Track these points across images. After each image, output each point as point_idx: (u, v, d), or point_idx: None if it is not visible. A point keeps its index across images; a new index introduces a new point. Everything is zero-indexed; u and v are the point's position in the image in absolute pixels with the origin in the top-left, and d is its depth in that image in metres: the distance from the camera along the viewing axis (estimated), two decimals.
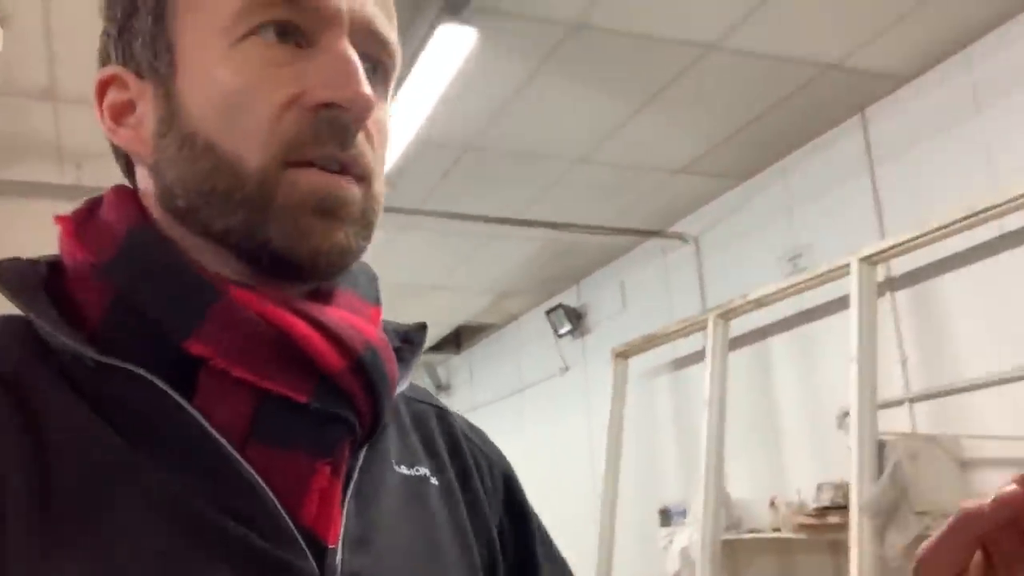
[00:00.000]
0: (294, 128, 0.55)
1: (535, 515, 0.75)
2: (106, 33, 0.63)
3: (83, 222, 0.60)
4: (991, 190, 2.94)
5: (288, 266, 0.55)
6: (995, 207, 2.87)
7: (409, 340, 0.65)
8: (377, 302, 0.64)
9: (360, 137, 0.57)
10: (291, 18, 0.56)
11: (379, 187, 0.59)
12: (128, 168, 0.63)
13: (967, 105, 3.19)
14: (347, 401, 0.55)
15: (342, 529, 0.55)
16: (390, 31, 0.60)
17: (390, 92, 0.63)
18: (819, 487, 3.45)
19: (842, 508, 3.24)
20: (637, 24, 2.93)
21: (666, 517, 4.26)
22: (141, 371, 0.52)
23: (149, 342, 0.54)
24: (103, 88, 0.62)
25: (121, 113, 0.61)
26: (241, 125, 0.55)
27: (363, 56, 0.57)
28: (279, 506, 0.52)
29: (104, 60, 0.63)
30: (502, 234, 4.57)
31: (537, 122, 3.53)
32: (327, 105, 0.55)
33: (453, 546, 0.64)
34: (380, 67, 0.60)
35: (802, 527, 3.45)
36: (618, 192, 4.22)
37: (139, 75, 0.60)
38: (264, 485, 0.52)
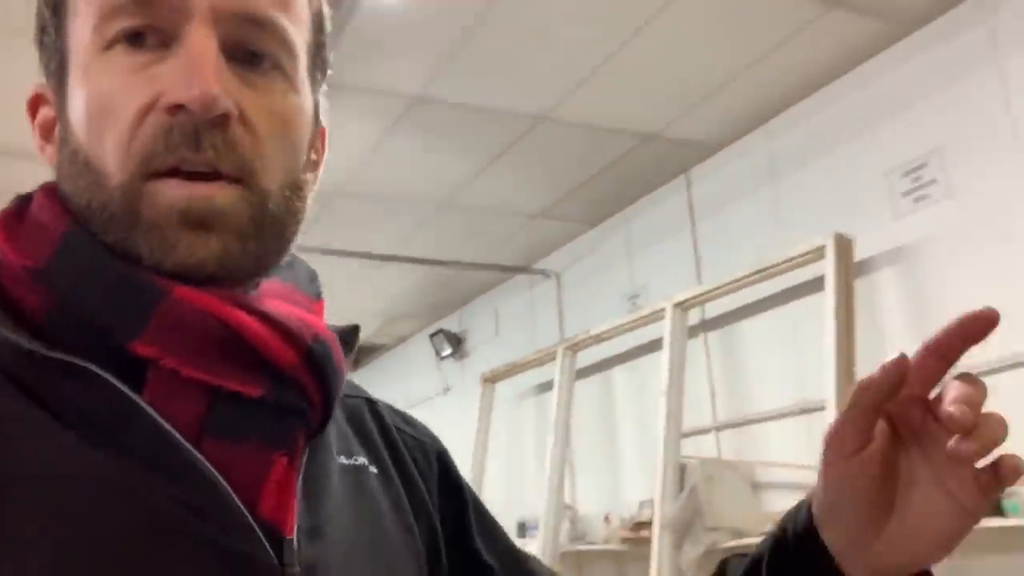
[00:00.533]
0: (150, 137, 0.53)
1: (468, 488, 0.76)
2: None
3: (13, 222, 0.58)
4: (783, 246, 3.41)
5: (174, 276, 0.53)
6: (784, 262, 3.34)
7: (344, 340, 0.62)
8: (319, 297, 0.64)
9: (237, 133, 0.54)
10: (146, 20, 0.54)
11: (271, 181, 0.56)
12: None
13: (764, 172, 3.67)
14: (299, 392, 0.55)
15: (296, 520, 0.55)
16: (275, 9, 0.57)
17: (298, 73, 0.59)
18: (641, 504, 3.89)
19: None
20: (473, 97, 3.33)
21: (522, 530, 4.67)
22: (92, 367, 0.51)
23: (96, 341, 0.52)
24: (34, 106, 0.62)
25: (48, 130, 0.61)
26: (105, 138, 0.54)
27: (236, 44, 0.55)
28: (237, 499, 0.51)
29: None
30: (382, 266, 4.95)
31: (398, 172, 3.91)
32: (178, 107, 0.53)
33: (397, 532, 0.64)
34: (267, 53, 0.57)
35: (624, 540, 3.88)
36: (483, 232, 4.63)
37: (53, 90, 0.60)
38: (221, 479, 0.51)
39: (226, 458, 0.52)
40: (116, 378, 0.51)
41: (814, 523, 0.59)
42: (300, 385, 0.55)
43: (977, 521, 0.55)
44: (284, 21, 0.57)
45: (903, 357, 0.53)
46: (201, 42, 0.54)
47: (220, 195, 0.53)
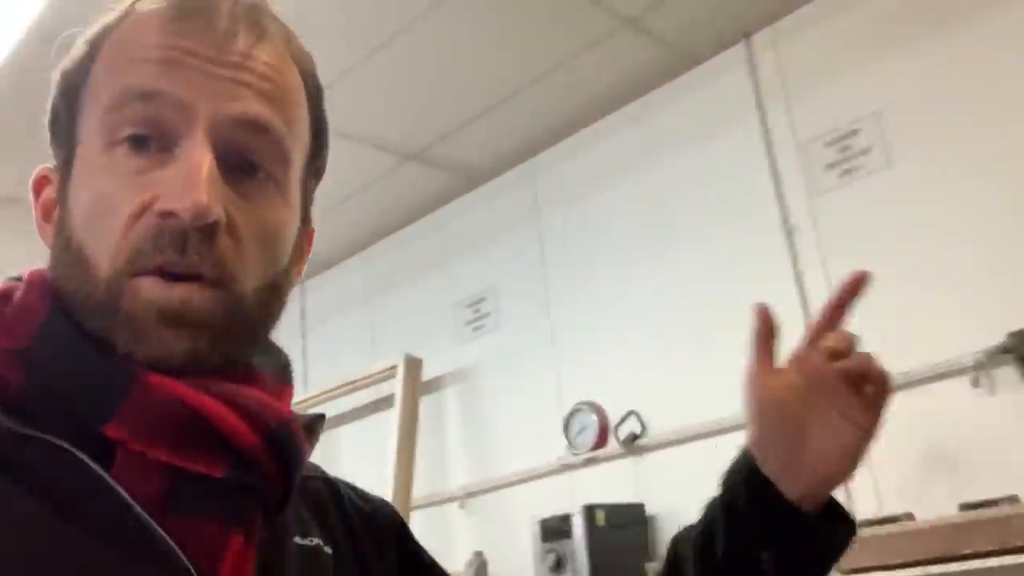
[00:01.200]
0: (141, 238, 0.56)
1: (427, 552, 0.79)
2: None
3: (0, 304, 0.59)
4: (375, 362, 3.81)
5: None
6: (364, 378, 3.74)
7: (308, 427, 0.64)
8: (289, 381, 0.66)
9: (223, 241, 0.56)
10: (151, 123, 0.57)
11: (248, 286, 0.58)
12: None
13: (362, 293, 4.11)
14: (259, 473, 0.57)
15: None
16: (275, 118, 0.59)
17: (291, 183, 0.62)
18: None
19: None
20: None
21: None
22: (64, 443, 0.53)
23: (70, 421, 0.54)
24: (39, 186, 0.65)
25: (49, 211, 0.63)
26: (100, 233, 0.57)
27: (234, 151, 0.58)
28: (196, 574, 0.53)
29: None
30: None
31: None
32: (170, 214, 0.55)
33: None
34: (261, 164, 0.59)
35: None
36: None
37: (59, 176, 0.62)
38: (182, 555, 0.52)
39: (188, 535, 0.53)
40: (88, 456, 0.52)
41: (753, 462, 0.72)
42: (260, 466, 0.57)
43: (871, 435, 0.70)
44: (283, 130, 0.60)
45: (762, 305, 0.72)
46: (199, 151, 0.56)
47: (197, 297, 0.56)
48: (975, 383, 2.27)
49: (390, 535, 0.75)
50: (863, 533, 1.90)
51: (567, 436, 3.10)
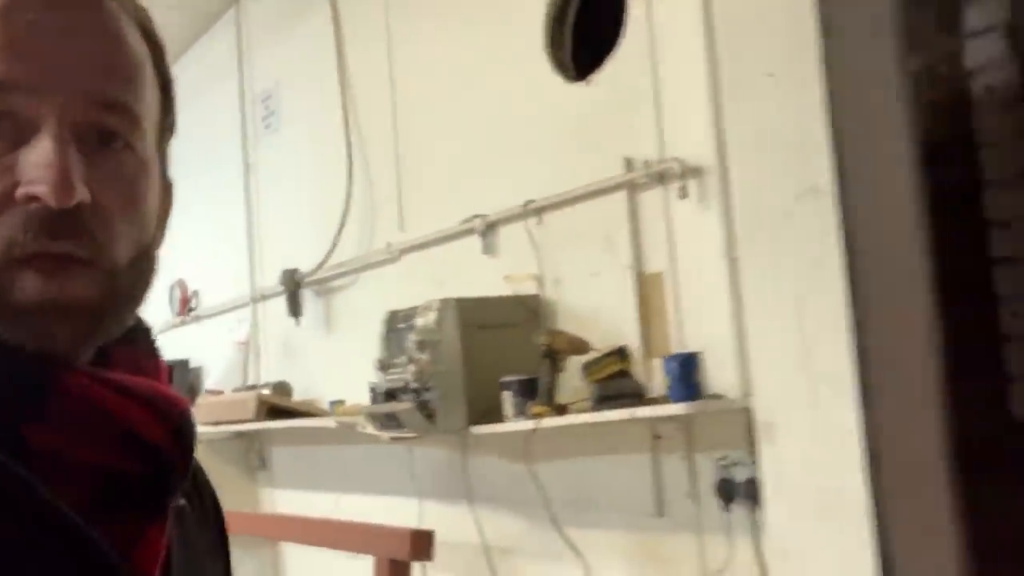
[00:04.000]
0: (9, 226, 0.55)
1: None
2: None
3: None
4: None
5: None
6: None
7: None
8: (157, 354, 0.66)
9: (90, 219, 0.56)
10: (3, 108, 0.55)
11: (121, 257, 0.58)
12: None
13: None
14: (169, 465, 0.59)
15: None
16: (126, 93, 0.59)
17: (147, 147, 0.61)
18: None
19: None
20: None
21: None
22: None
23: None
24: None
25: None
26: None
27: (90, 126, 0.57)
28: (124, 570, 0.54)
29: None
30: None
31: None
32: (34, 198, 0.54)
33: (216, 568, 0.73)
34: (118, 133, 0.58)
35: None
36: None
37: None
38: (111, 552, 0.54)
39: (111, 531, 0.55)
40: (7, 455, 0.53)
41: None
42: (170, 459, 0.59)
43: None
44: (134, 103, 0.59)
45: None
46: (55, 132, 0.55)
47: (73, 283, 0.56)
48: None
49: (215, 505, 0.77)
50: None
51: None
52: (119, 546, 0.55)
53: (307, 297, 3.34)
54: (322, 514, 3.01)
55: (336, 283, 3.23)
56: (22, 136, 0.56)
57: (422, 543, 2.24)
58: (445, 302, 2.27)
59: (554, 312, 2.36)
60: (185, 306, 4.14)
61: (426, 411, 2.21)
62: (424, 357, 2.24)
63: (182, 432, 0.60)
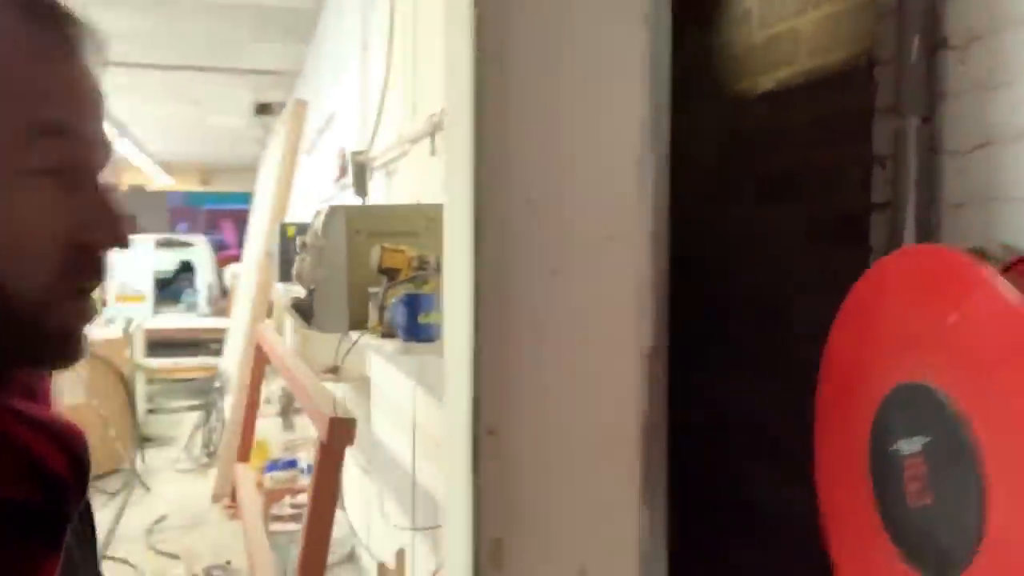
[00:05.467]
0: (60, 261, 0.60)
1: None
2: None
3: None
4: None
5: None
6: None
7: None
8: (44, 374, 0.69)
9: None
10: (66, 155, 0.60)
11: None
12: None
13: None
14: (68, 493, 0.61)
15: None
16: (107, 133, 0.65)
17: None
18: None
19: None
20: None
21: None
22: None
23: None
24: None
25: None
26: (20, 258, 0.59)
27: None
28: None
29: None
30: None
31: None
32: (98, 243, 0.61)
33: None
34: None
35: None
36: None
37: None
38: None
39: (8, 563, 0.57)
40: None
41: None
42: (69, 485, 0.61)
43: None
44: (112, 144, 0.66)
45: None
46: (107, 181, 0.61)
47: (94, 308, 0.64)
48: None
49: (88, 511, 0.75)
50: None
51: None
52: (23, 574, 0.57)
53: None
54: None
55: None
56: (77, 179, 0.62)
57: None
58: (334, 208, 2.29)
59: None
60: (343, 172, 4.45)
61: (302, 312, 2.30)
62: (308, 260, 2.31)
63: (81, 460, 0.62)
